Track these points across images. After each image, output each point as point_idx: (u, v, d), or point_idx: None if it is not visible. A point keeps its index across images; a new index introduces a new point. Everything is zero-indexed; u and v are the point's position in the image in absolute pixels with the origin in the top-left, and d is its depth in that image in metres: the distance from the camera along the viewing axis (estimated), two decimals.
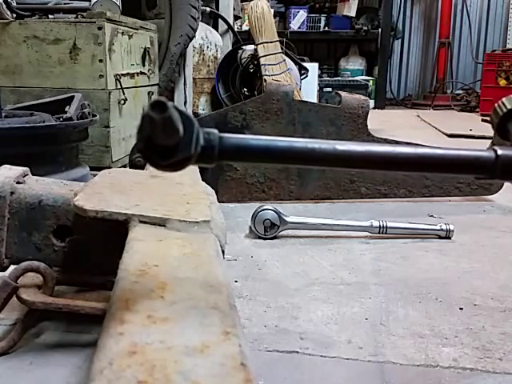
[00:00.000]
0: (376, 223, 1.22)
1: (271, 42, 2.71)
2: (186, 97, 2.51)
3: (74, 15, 1.75)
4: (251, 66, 2.86)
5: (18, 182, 0.75)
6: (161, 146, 0.39)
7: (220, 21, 3.20)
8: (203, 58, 2.85)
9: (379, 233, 1.22)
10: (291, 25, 5.33)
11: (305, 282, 0.98)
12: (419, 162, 0.47)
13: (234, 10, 3.42)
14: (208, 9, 3.01)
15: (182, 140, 0.39)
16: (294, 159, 0.46)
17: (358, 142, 0.47)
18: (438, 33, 5.55)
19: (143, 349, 0.37)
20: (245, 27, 4.74)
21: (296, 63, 2.92)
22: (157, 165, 0.40)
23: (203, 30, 2.80)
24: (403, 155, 0.46)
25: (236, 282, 0.97)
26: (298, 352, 0.73)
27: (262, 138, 0.45)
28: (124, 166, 1.76)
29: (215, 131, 0.43)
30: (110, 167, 1.65)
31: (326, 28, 5.36)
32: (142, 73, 2.00)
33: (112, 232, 0.70)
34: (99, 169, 0.99)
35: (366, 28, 5.18)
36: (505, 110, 0.49)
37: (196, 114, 2.68)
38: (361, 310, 0.86)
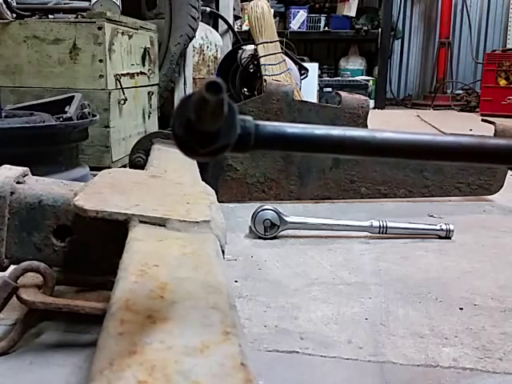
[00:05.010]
0: (376, 223, 1.22)
1: (271, 42, 2.71)
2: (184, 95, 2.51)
3: (74, 15, 1.75)
4: (251, 66, 2.86)
5: (18, 182, 0.75)
6: (202, 132, 0.37)
7: (220, 21, 3.20)
8: (203, 58, 2.85)
9: (379, 233, 1.22)
10: (291, 25, 5.33)
11: (305, 282, 0.98)
12: (459, 152, 0.45)
13: (234, 10, 3.42)
14: (208, 9, 3.01)
15: (224, 126, 0.37)
16: (331, 148, 0.43)
17: (398, 130, 0.45)
18: (438, 33, 5.55)
19: (143, 349, 0.37)
20: (245, 27, 4.74)
21: (296, 63, 2.92)
22: (195, 152, 0.38)
23: (203, 30, 2.80)
24: (443, 144, 0.44)
25: (236, 282, 0.97)
26: (298, 352, 0.73)
27: (299, 126, 0.43)
28: (124, 166, 1.76)
29: (250, 118, 0.41)
30: (110, 167, 1.65)
31: (326, 28, 5.36)
32: (142, 73, 2.00)
33: (112, 232, 0.70)
34: (99, 169, 0.99)
35: (366, 28, 5.19)
36: None
37: None
38: (361, 310, 0.86)
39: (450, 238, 1.24)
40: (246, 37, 3.27)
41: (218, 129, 0.37)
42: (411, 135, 0.44)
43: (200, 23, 2.49)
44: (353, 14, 5.24)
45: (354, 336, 0.78)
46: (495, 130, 1.58)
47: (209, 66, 2.91)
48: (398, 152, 0.44)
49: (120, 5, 1.93)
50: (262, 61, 2.69)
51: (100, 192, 0.71)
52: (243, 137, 0.40)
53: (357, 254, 1.13)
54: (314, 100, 3.14)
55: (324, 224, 1.23)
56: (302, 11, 5.34)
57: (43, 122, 1.30)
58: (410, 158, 0.46)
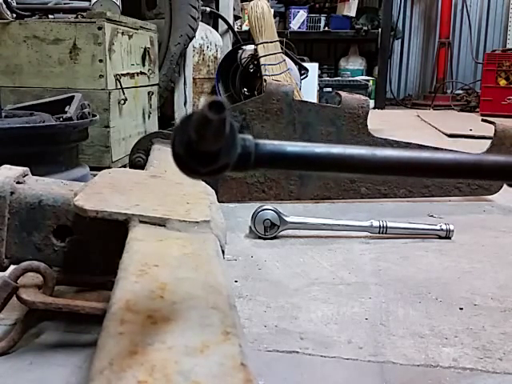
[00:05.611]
0: (376, 223, 1.22)
1: (271, 42, 2.71)
2: (185, 97, 2.51)
3: (74, 15, 1.75)
4: (251, 66, 2.86)
5: (18, 182, 0.75)
6: (202, 151, 0.36)
7: (220, 21, 3.20)
8: (203, 58, 2.85)
9: (379, 233, 1.22)
10: (291, 25, 5.33)
11: (305, 282, 0.98)
12: (458, 169, 0.45)
13: (234, 10, 3.42)
14: (208, 9, 3.01)
15: (225, 145, 0.37)
16: (332, 166, 0.43)
17: (399, 148, 0.45)
18: (438, 33, 5.55)
19: (143, 349, 0.37)
20: (245, 27, 4.74)
21: (296, 63, 2.91)
22: (195, 172, 0.37)
23: (203, 30, 2.80)
24: (443, 161, 0.44)
25: (236, 282, 0.97)
26: (298, 352, 0.73)
27: (299, 145, 0.43)
28: (124, 166, 1.76)
29: (250, 137, 0.41)
30: (110, 167, 1.65)
31: (326, 28, 5.36)
32: (142, 73, 2.00)
33: (112, 232, 0.70)
34: (99, 169, 0.99)
35: (366, 28, 5.18)
36: None
37: None
38: (361, 310, 0.86)
39: (449, 238, 1.24)
40: (246, 37, 3.27)
41: (219, 148, 0.37)
42: (411, 153, 0.44)
43: (200, 23, 2.49)
44: (353, 14, 5.24)
45: (354, 336, 0.78)
46: (495, 130, 1.58)
47: (209, 66, 2.91)
48: (398, 170, 0.45)
49: (120, 5, 1.93)
50: (261, 61, 2.69)
51: (100, 192, 0.71)
52: (243, 156, 0.39)
53: (357, 254, 1.13)
54: (314, 100, 3.14)
55: (324, 224, 1.23)
56: (302, 11, 5.33)
57: (43, 122, 1.30)
58: (410, 176, 0.46)
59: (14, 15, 1.77)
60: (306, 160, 0.43)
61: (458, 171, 0.45)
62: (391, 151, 0.44)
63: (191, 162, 0.37)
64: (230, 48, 3.13)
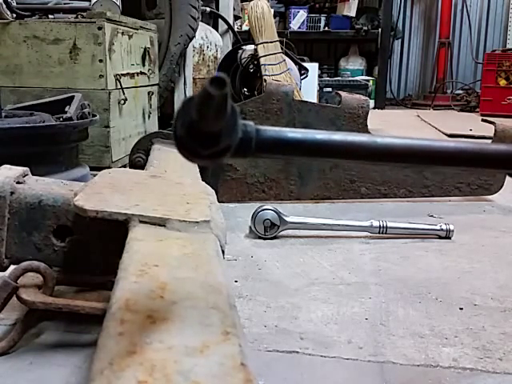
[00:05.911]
0: (376, 223, 1.22)
1: (271, 42, 2.71)
2: (186, 97, 2.51)
3: (74, 15, 1.75)
4: (251, 66, 2.86)
5: (18, 182, 0.75)
6: (204, 132, 0.36)
7: (220, 21, 3.20)
8: (203, 58, 2.85)
9: (379, 233, 1.22)
10: (291, 25, 5.33)
11: (305, 282, 0.98)
12: (459, 157, 0.44)
13: (234, 10, 3.42)
14: (208, 9, 3.01)
15: (226, 126, 0.37)
16: (333, 153, 0.43)
17: (399, 135, 0.44)
18: (438, 33, 5.55)
19: (143, 349, 0.37)
20: (245, 27, 4.74)
21: (296, 63, 2.91)
22: (196, 155, 0.37)
23: (203, 30, 2.80)
24: (444, 149, 0.44)
25: (236, 282, 0.97)
26: (298, 352, 0.73)
27: (300, 131, 0.42)
28: (124, 166, 1.76)
29: (251, 123, 0.40)
30: (110, 167, 1.65)
31: (326, 28, 5.36)
32: (142, 73, 2.00)
33: (112, 232, 0.70)
34: (99, 169, 0.99)
35: (366, 28, 5.19)
36: None
37: None
38: (361, 310, 0.86)
39: (449, 238, 1.24)
40: (246, 37, 3.27)
41: (220, 130, 0.37)
42: (412, 140, 0.44)
43: (200, 23, 2.49)
44: (353, 14, 5.24)
45: (354, 336, 0.78)
46: (495, 130, 1.58)
47: (209, 66, 2.91)
48: (399, 157, 0.44)
49: (120, 5, 1.93)
50: (262, 61, 2.69)
51: (100, 192, 0.71)
52: (244, 141, 0.39)
53: (357, 254, 1.13)
54: (314, 100, 3.14)
55: (324, 224, 1.23)
56: (302, 11, 5.33)
57: (43, 121, 1.30)
58: (410, 163, 0.46)
59: (14, 15, 1.77)
60: (307, 147, 0.43)
61: (459, 160, 0.45)
62: (392, 139, 0.44)
63: (193, 143, 0.36)
64: (230, 48, 3.13)
